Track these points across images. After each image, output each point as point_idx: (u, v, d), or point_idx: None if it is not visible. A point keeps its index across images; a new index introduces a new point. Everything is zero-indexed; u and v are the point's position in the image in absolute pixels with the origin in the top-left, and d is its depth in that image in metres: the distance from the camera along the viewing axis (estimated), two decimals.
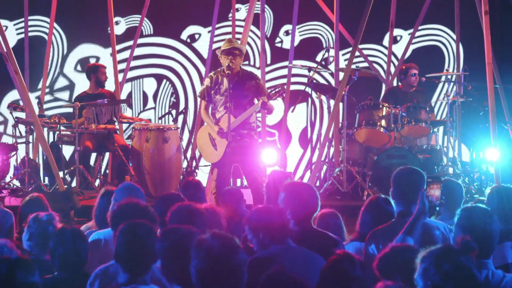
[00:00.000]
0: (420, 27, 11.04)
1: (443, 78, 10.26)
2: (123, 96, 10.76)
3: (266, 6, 10.30)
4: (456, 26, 10.96)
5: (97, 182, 9.29)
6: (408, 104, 9.34)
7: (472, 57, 11.00)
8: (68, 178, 9.16)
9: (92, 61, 10.73)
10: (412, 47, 11.15)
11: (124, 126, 10.54)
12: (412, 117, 9.22)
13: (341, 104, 9.15)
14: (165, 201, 4.49)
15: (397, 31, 11.34)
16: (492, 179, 8.81)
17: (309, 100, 10.15)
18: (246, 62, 10.99)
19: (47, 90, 10.61)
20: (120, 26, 11.01)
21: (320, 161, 9.12)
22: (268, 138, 10.85)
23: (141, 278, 3.53)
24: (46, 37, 10.52)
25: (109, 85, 9.76)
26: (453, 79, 10.03)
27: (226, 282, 3.01)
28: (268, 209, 4.06)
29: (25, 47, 10.33)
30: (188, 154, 10.13)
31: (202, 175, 9.61)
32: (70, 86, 10.99)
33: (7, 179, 9.12)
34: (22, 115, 9.46)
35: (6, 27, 10.60)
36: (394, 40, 11.22)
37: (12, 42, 10.11)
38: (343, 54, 11.14)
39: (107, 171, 9.88)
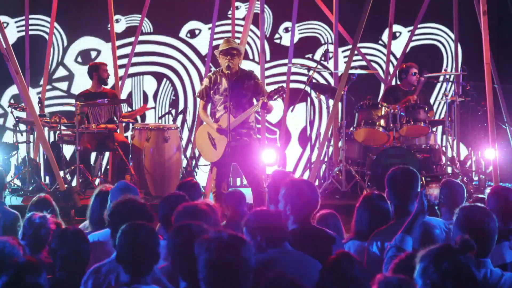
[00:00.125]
0: (418, 26, 11.05)
1: (441, 78, 10.29)
2: (124, 95, 10.78)
3: (266, 6, 10.32)
4: (455, 26, 10.98)
5: (98, 181, 9.30)
6: (407, 103, 9.37)
7: (471, 56, 11.03)
8: (68, 177, 9.18)
9: (93, 53, 10.75)
10: (410, 44, 11.14)
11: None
12: (411, 116, 9.24)
13: (340, 103, 9.19)
14: (170, 202, 4.52)
15: (396, 27, 11.34)
16: (491, 179, 8.85)
17: (309, 99, 10.19)
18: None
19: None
20: (120, 24, 11.02)
21: (319, 160, 9.14)
22: (269, 135, 10.88)
23: (143, 278, 3.55)
24: (47, 36, 10.52)
25: (110, 81, 9.72)
26: (452, 79, 10.06)
27: (236, 272, 3.03)
28: (266, 212, 4.03)
29: (26, 46, 10.34)
30: (188, 154, 10.14)
31: (202, 175, 9.62)
32: (69, 77, 10.99)
33: (8, 178, 9.13)
34: (22, 114, 9.49)
35: (7, 23, 10.62)
36: (393, 36, 11.23)
37: (12, 39, 10.13)
38: (343, 51, 11.16)
39: (108, 170, 9.90)
